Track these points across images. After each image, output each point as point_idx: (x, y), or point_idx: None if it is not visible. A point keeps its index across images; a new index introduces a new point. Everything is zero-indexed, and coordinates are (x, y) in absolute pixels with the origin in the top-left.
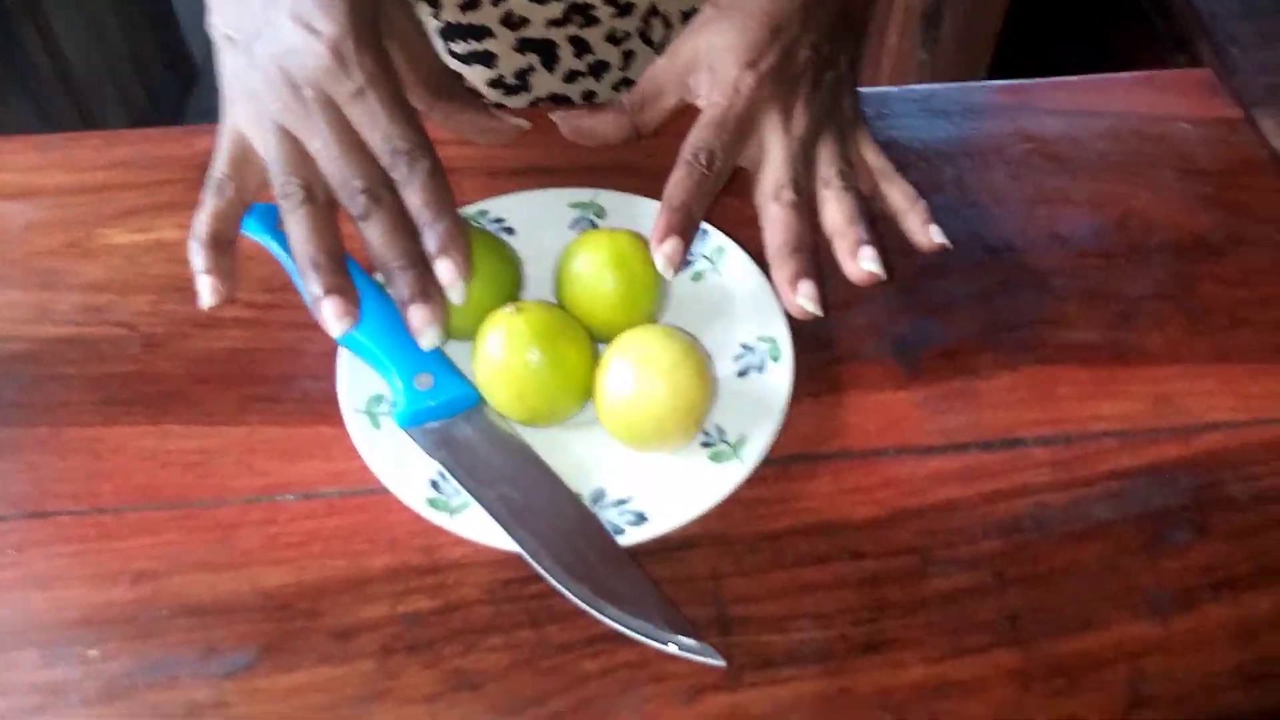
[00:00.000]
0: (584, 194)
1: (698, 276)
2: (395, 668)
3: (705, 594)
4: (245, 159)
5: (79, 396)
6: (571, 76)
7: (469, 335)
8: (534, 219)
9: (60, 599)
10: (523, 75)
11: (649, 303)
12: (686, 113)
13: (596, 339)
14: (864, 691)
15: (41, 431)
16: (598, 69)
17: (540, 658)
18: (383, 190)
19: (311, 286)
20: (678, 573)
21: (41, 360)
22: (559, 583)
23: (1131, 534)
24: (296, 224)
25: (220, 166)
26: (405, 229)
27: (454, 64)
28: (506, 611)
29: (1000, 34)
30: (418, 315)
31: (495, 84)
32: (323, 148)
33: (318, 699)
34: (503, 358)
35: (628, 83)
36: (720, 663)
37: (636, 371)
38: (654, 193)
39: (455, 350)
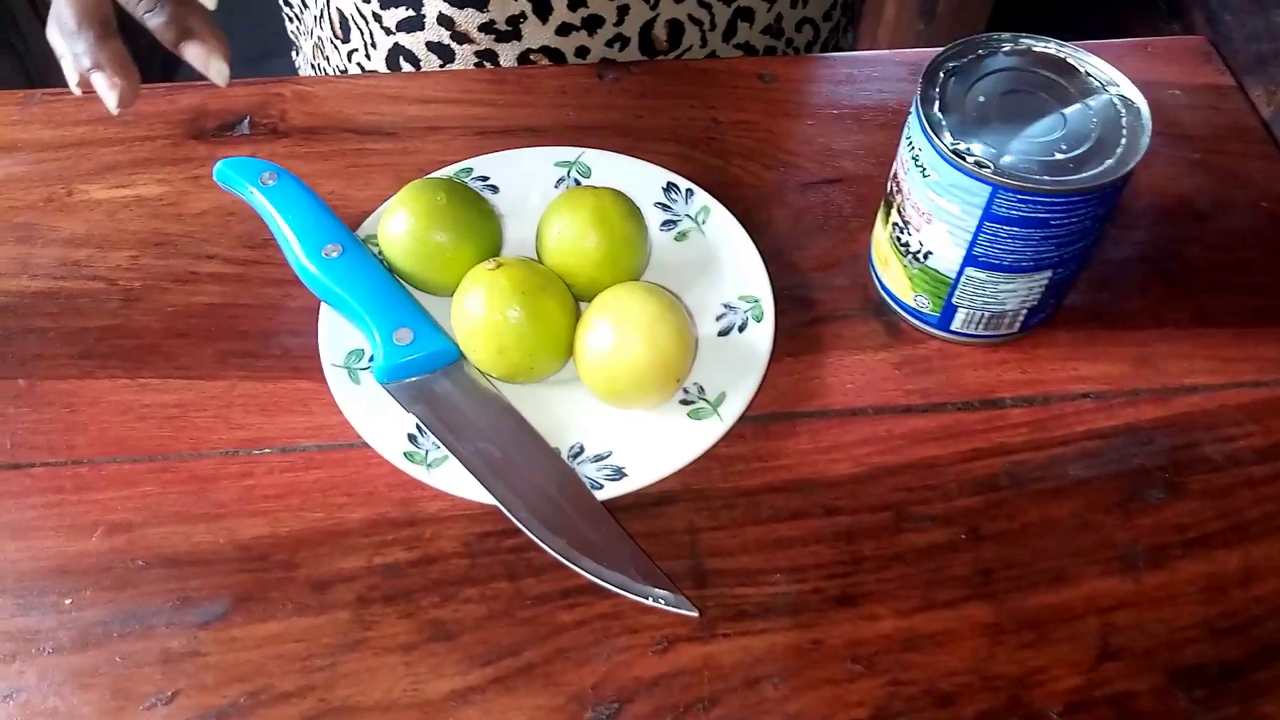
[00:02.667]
0: (569, 153)
1: (682, 236)
2: (371, 618)
3: (681, 548)
4: None
5: (56, 350)
6: (565, 29)
7: (450, 291)
8: (519, 177)
9: (35, 549)
10: (515, 21)
11: (631, 261)
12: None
13: (579, 297)
14: (835, 643)
15: (18, 385)
16: (591, 23)
17: (516, 609)
18: None
19: (80, 59)
20: (655, 527)
21: (19, 314)
22: (536, 535)
23: (1106, 492)
24: None
25: None
26: None
27: (445, 6)
28: (483, 564)
29: (996, 3)
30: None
31: (486, 28)
32: None
33: (293, 648)
34: (483, 313)
35: (622, 40)
36: (693, 613)
37: (615, 328)
38: (640, 152)
39: (436, 306)
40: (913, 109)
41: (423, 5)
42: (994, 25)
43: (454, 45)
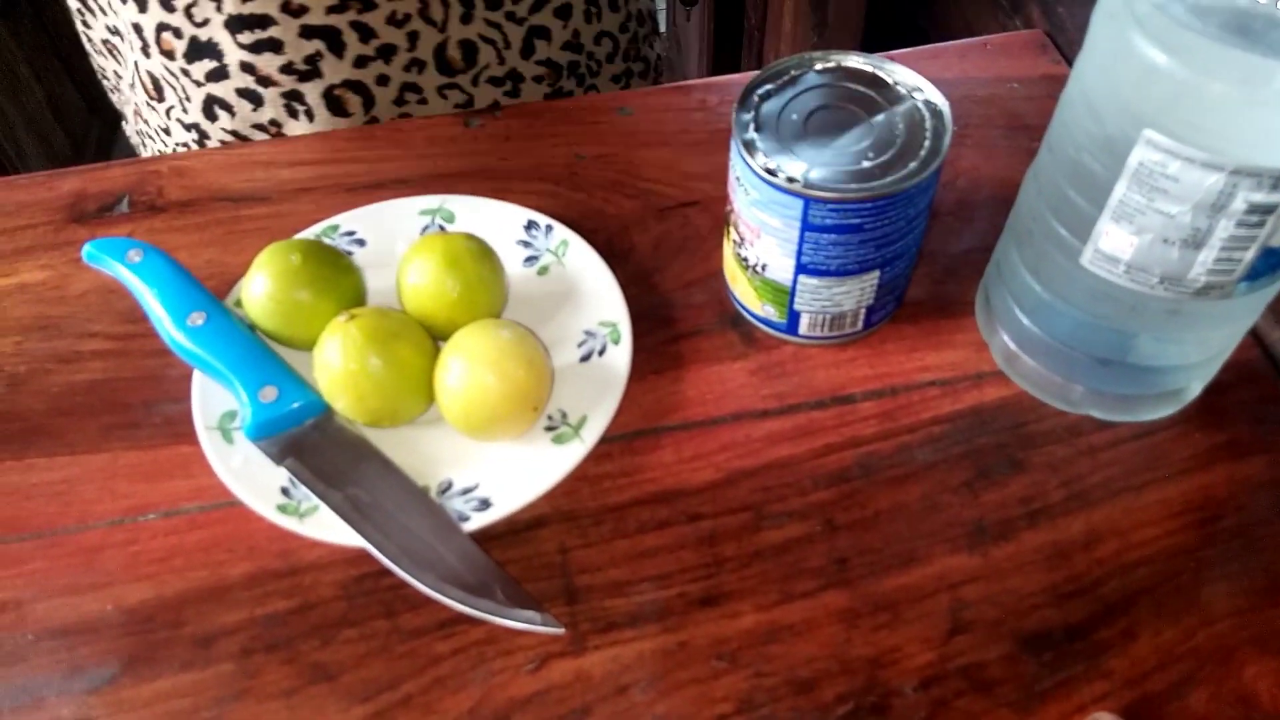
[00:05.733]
0: (432, 201)
1: (543, 270)
2: (254, 667)
3: (553, 568)
4: None
5: None
6: (362, 61)
7: (313, 345)
8: (384, 229)
9: None
10: (312, 60)
11: (486, 299)
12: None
13: (440, 338)
14: (700, 643)
15: None
16: (385, 51)
17: (394, 644)
18: None
19: None
20: (527, 552)
21: None
22: (405, 572)
23: (953, 473)
24: None
25: None
26: None
27: (244, 54)
28: (361, 604)
29: (871, 11)
30: None
31: (287, 70)
32: None
33: (180, 704)
34: (340, 364)
35: (418, 63)
36: (559, 631)
37: (467, 365)
38: (507, 193)
39: (306, 361)
40: (731, 133)
41: (224, 55)
42: (868, 34)
43: (260, 89)
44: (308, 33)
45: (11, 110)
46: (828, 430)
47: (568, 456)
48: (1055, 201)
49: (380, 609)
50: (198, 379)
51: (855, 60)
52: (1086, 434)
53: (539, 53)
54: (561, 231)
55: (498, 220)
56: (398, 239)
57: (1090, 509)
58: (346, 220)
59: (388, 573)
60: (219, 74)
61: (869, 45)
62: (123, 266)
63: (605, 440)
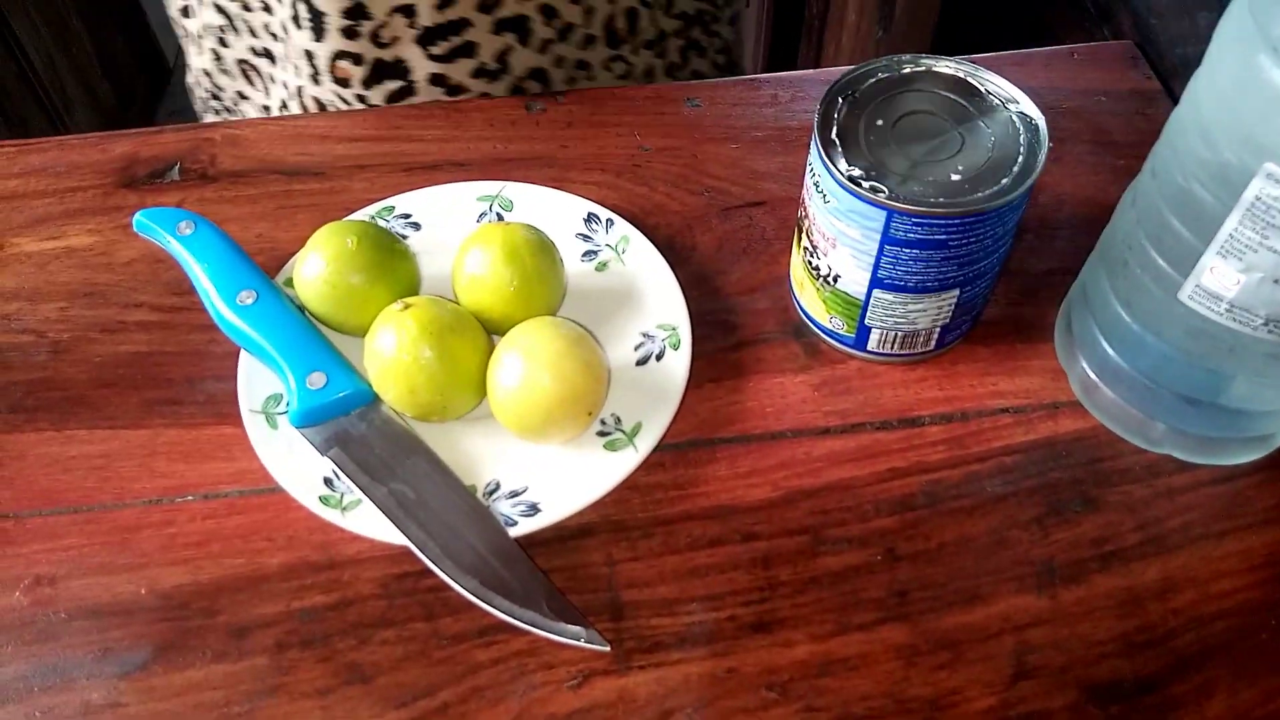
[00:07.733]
0: (491, 187)
1: (602, 266)
2: (289, 663)
3: (600, 580)
4: None
5: None
6: (544, 46)
7: (365, 332)
8: (440, 213)
9: None
10: (502, 57)
11: (543, 295)
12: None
13: (494, 332)
14: (750, 671)
15: None
16: (565, 32)
17: (432, 649)
18: None
19: None
20: (574, 561)
21: None
22: (448, 575)
23: (1024, 507)
24: None
25: None
26: None
27: (434, 66)
28: (400, 605)
29: (943, 9)
30: None
31: (478, 74)
32: None
33: (211, 696)
34: (392, 355)
35: (590, 39)
36: (605, 648)
37: (524, 363)
38: (566, 182)
39: (356, 346)
40: (812, 136)
41: (411, 72)
42: (940, 33)
43: (447, 99)
44: (500, 27)
45: (61, 61)
46: (892, 453)
47: (620, 464)
48: (1156, 230)
49: (420, 611)
50: (244, 359)
51: (946, 65)
52: (1166, 475)
53: (678, 5)
54: (622, 227)
55: (557, 211)
56: (454, 225)
57: (1166, 555)
58: (402, 202)
59: (429, 573)
60: (404, 93)
61: (940, 46)
62: (173, 238)
63: (659, 449)
